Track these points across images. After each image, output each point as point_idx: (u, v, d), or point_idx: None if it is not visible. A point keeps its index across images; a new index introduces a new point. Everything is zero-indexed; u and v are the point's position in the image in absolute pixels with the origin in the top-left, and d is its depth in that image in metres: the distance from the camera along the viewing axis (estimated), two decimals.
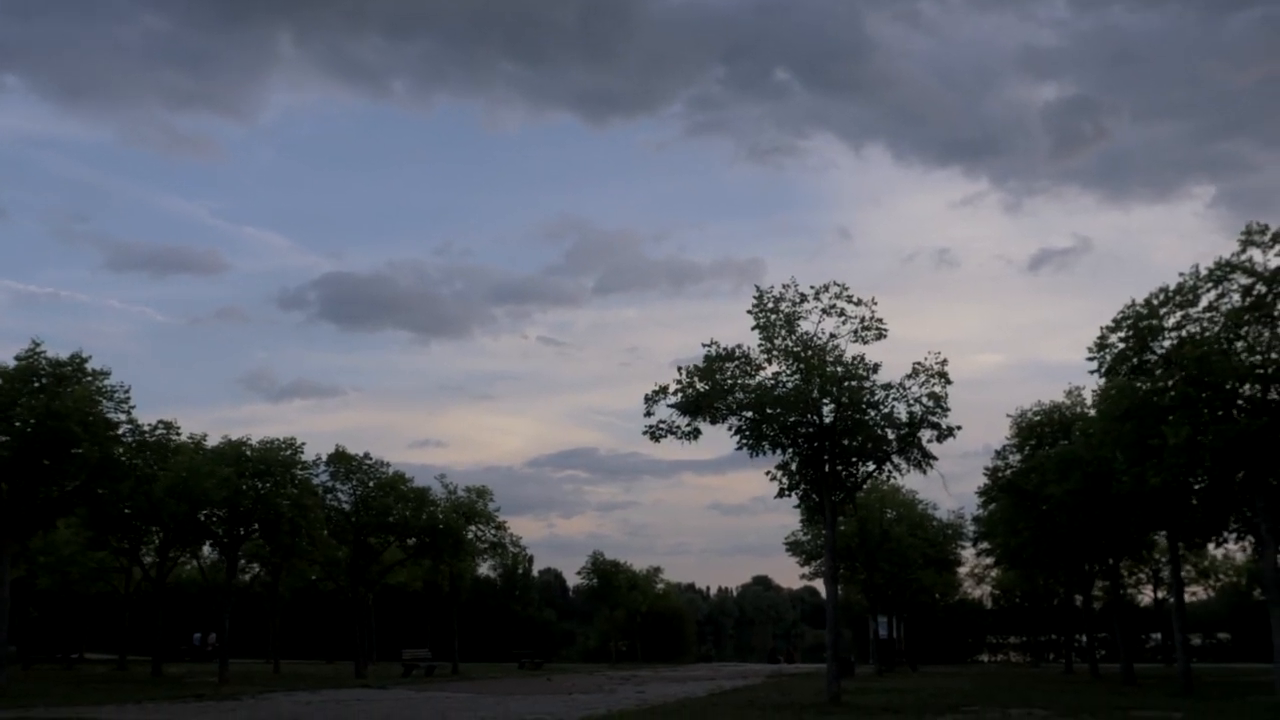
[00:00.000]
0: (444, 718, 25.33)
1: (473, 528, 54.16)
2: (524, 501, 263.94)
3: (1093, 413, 40.02)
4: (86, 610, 66.61)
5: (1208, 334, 27.91)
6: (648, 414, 29.15)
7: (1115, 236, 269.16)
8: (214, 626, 74.84)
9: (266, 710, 27.78)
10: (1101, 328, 29.24)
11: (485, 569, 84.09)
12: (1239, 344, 27.66)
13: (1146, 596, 69.71)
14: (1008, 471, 44.11)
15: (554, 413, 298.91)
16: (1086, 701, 30.00)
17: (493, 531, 54.95)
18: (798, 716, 24.76)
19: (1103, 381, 31.67)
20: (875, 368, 28.53)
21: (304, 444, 42.36)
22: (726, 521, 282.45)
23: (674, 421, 29.23)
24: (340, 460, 47.60)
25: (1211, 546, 52.06)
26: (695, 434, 29.36)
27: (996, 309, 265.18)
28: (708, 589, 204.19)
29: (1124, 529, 40.42)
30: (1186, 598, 75.27)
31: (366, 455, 48.34)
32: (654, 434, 29.29)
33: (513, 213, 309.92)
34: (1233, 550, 65.46)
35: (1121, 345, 28.73)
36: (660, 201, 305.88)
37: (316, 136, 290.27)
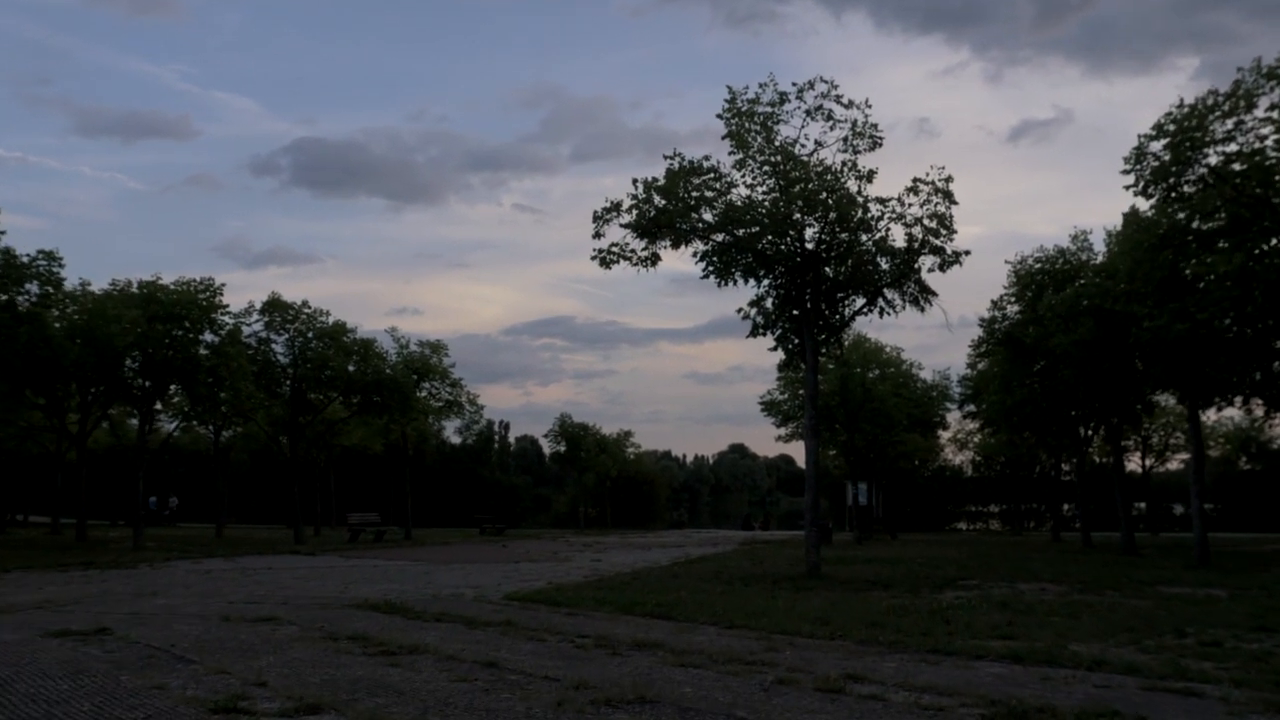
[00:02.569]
0: (346, 590, 20.51)
1: (426, 385, 49.11)
2: (501, 369, 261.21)
3: (1101, 259, 35.00)
4: (26, 472, 61.73)
5: (1265, 145, 22.69)
6: (597, 235, 23.91)
7: (1097, 108, 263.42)
8: (174, 490, 70.77)
9: (146, 579, 23.22)
10: (1139, 135, 24.04)
11: (451, 433, 79.92)
12: None
13: (1132, 464, 65.41)
14: (1005, 323, 39.14)
15: (531, 281, 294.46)
16: (1096, 574, 25.48)
17: (448, 389, 49.84)
18: (770, 593, 19.98)
19: (1135, 204, 26.57)
20: (870, 176, 23.24)
21: (223, 284, 36.98)
22: (703, 390, 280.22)
23: (628, 245, 24.02)
24: (275, 308, 42.28)
25: (1213, 413, 47.31)
26: (653, 260, 24.22)
27: (976, 180, 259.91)
28: (684, 457, 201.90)
29: (1134, 386, 35.60)
30: (1169, 466, 71.59)
31: (305, 303, 43.05)
32: (604, 259, 24.07)
33: (488, 80, 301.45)
34: (1227, 416, 61.07)
35: (1164, 157, 23.42)
36: (637, 69, 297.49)
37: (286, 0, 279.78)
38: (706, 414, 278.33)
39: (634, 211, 23.51)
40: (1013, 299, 39.22)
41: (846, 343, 47.59)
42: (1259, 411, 45.45)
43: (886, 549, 40.13)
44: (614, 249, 24.01)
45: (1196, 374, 31.01)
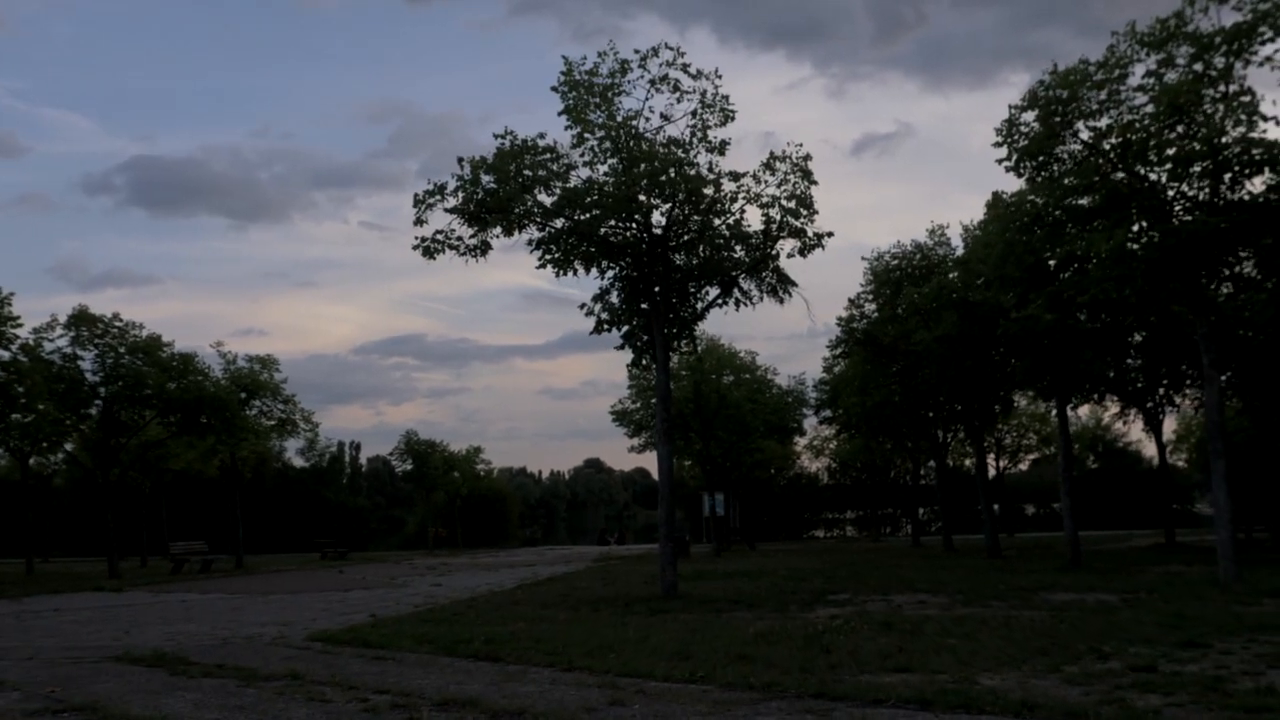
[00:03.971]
0: (124, 636, 17.07)
1: (257, 403, 45.18)
2: (352, 389, 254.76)
3: (960, 253, 33.30)
4: None
5: (1140, 117, 20.83)
6: (419, 222, 20.87)
7: (936, 123, 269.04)
8: None
9: None
10: (1010, 106, 21.95)
11: (293, 454, 75.54)
12: (1178, 129, 20.55)
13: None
14: (863, 322, 37.20)
15: (380, 299, 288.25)
16: (972, 582, 23.44)
17: (280, 407, 45.95)
18: (621, 619, 17.21)
19: (997, 191, 24.69)
20: (721, 147, 20.70)
21: (12, 294, 32.80)
22: (558, 406, 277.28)
23: (454, 232, 21.06)
24: (82, 322, 38.00)
25: (1083, 409, 46.20)
26: (483, 249, 21.37)
27: (821, 193, 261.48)
28: (540, 473, 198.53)
29: (998, 383, 33.94)
30: (1020, 468, 71.13)
31: (116, 316, 38.84)
32: (428, 249, 21.07)
33: (334, 95, 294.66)
34: (1074, 416, 60.52)
35: (1037, 126, 21.39)
36: (486, 84, 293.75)
37: (121, 12, 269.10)
38: (562, 429, 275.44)
39: (460, 194, 20.58)
40: (870, 297, 37.36)
41: (701, 344, 45.54)
42: (1114, 408, 44.66)
43: (746, 560, 37.80)
44: (439, 237, 21.04)
45: (1065, 368, 29.33)
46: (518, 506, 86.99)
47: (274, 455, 71.25)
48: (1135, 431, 78.04)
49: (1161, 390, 41.75)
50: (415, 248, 20.93)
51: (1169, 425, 48.61)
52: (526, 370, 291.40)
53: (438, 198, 20.69)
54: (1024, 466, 70.62)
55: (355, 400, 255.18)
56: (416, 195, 20.62)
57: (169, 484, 58.07)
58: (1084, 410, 57.02)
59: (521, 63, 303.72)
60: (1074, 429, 64.56)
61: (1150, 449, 74.33)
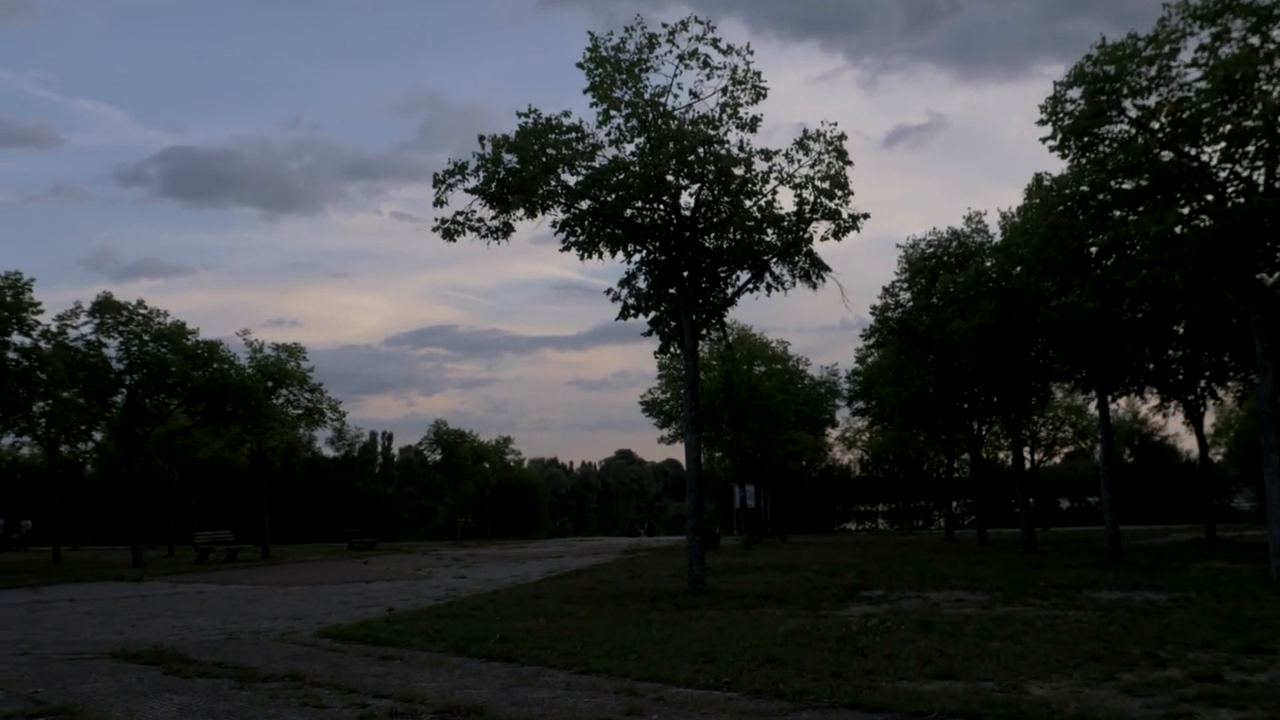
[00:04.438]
0: (130, 630, 16.44)
1: (284, 391, 44.61)
2: (384, 380, 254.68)
3: (998, 239, 32.26)
4: None
5: (1192, 94, 19.82)
6: (439, 203, 20.10)
7: (968, 114, 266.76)
8: (26, 512, 65.04)
9: None
10: (1055, 83, 20.92)
11: (323, 444, 75.19)
12: (1232, 106, 19.51)
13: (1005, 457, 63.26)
14: (897, 311, 36.19)
15: (412, 290, 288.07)
16: (1011, 578, 22.49)
17: (307, 396, 45.35)
18: (645, 616, 16.40)
19: (1049, 165, 23.60)
20: (753, 124, 19.82)
21: (33, 279, 32.33)
22: (589, 397, 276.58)
23: (475, 214, 20.30)
24: (106, 309, 37.54)
25: (1119, 401, 45.08)
26: (505, 231, 20.58)
27: (854, 185, 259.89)
28: (570, 464, 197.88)
29: (1036, 374, 32.91)
30: (1052, 461, 69.76)
31: (140, 303, 38.35)
32: (448, 231, 20.30)
33: (364, 86, 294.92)
34: (1111, 409, 59.18)
35: (1083, 104, 20.39)
36: (515, 75, 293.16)
37: (151, 4, 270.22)
38: (593, 420, 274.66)
39: (481, 174, 19.79)
40: (905, 285, 36.32)
41: (732, 333, 44.62)
42: (1153, 401, 43.46)
43: (777, 554, 36.89)
44: (459, 219, 20.27)
45: (1106, 358, 28.31)
46: (547, 497, 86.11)
47: (303, 445, 70.90)
48: (1172, 425, 76.74)
49: (1203, 383, 40.57)
50: (435, 229, 20.19)
51: (1208, 419, 47.22)
52: (557, 361, 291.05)
53: (458, 178, 19.90)
54: (1058, 460, 69.38)
55: (387, 391, 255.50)
56: (436, 175, 19.87)
57: (198, 473, 57.76)
58: (1120, 403, 55.63)
59: (552, 54, 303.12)
60: (1111, 422, 63.38)
61: (1187, 443, 73.41)
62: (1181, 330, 31.77)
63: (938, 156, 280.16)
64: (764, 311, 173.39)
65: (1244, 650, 11.49)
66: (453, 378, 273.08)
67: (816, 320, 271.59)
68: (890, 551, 36.54)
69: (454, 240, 20.09)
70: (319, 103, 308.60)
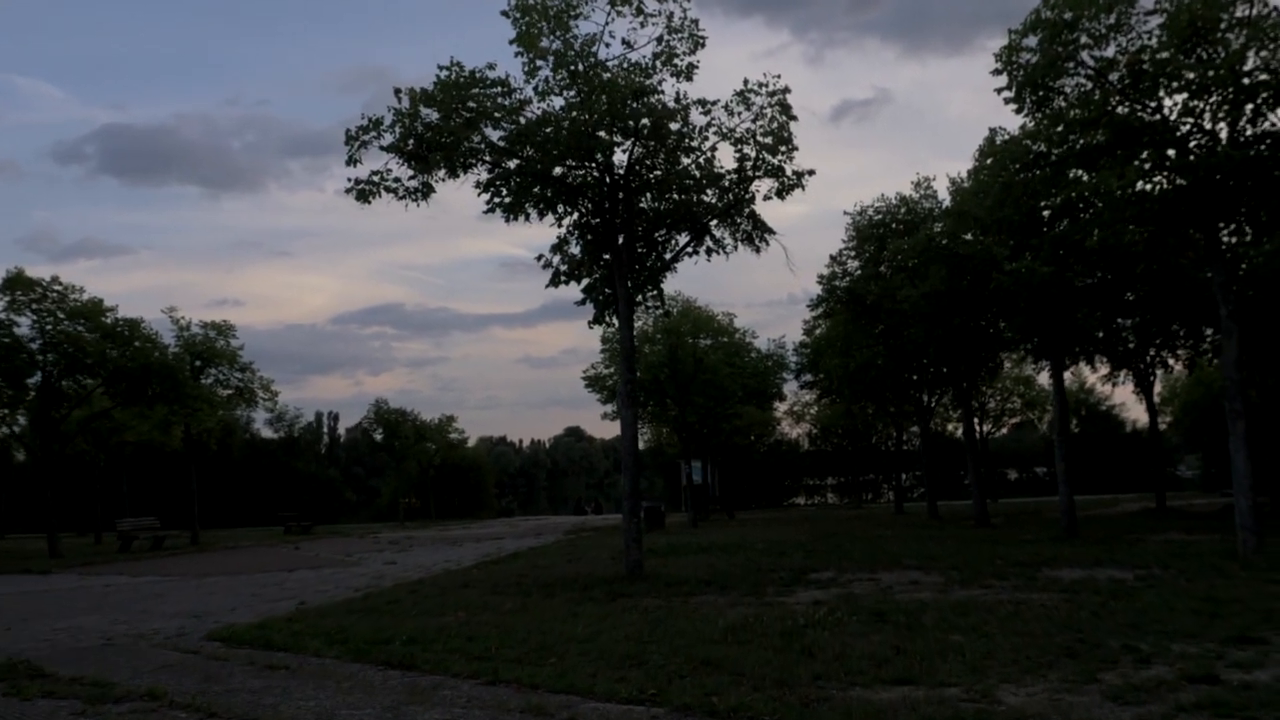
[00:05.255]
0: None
1: (212, 371, 42.66)
2: (330, 360, 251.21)
3: (948, 203, 31.03)
4: None
5: (1153, 42, 18.56)
6: (351, 162, 18.42)
7: (914, 89, 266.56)
8: None
9: None
10: (1010, 30, 19.54)
11: (261, 425, 73.06)
12: (1194, 55, 18.27)
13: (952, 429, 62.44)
14: (845, 279, 34.90)
15: (358, 268, 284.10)
16: (965, 555, 21.35)
17: (237, 375, 43.43)
18: (575, 607, 14.94)
19: (1010, 120, 22.29)
20: (689, 71, 18.31)
21: None
22: (538, 374, 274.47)
23: (392, 174, 18.64)
24: (17, 285, 35.35)
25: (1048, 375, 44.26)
26: (425, 192, 18.93)
27: (801, 160, 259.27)
28: (520, 442, 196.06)
29: (987, 342, 31.78)
30: (1000, 433, 69.09)
31: (55, 279, 36.19)
32: (362, 192, 18.62)
33: (308, 62, 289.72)
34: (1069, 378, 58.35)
35: (1039, 54, 19.05)
36: (462, 51, 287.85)
37: None
38: (542, 398, 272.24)
39: (398, 129, 18.15)
40: (853, 254, 35.04)
41: (676, 306, 43.22)
42: (1104, 370, 42.57)
43: (724, 532, 35.63)
44: (374, 178, 18.59)
45: (1059, 326, 27.16)
46: (493, 476, 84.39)
47: (241, 426, 68.72)
48: (1118, 395, 76.31)
49: (1153, 351, 39.79)
50: (348, 191, 18.49)
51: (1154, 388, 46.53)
52: (506, 339, 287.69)
53: (373, 134, 18.25)
54: (1004, 431, 68.77)
55: (334, 370, 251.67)
56: (348, 131, 18.19)
57: (129, 457, 55.58)
58: (1068, 373, 54.90)
59: (496, 29, 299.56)
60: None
61: (1132, 412, 73.15)
62: (1133, 297, 30.75)
63: (884, 131, 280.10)
64: (709, 285, 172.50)
65: (1233, 641, 10.24)
66: (400, 357, 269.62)
67: (763, 295, 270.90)
68: (839, 527, 35.38)
69: (368, 202, 18.45)
70: (262, 79, 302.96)
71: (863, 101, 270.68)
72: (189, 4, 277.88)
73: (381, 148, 18.30)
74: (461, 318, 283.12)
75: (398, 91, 18.10)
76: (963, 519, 36.48)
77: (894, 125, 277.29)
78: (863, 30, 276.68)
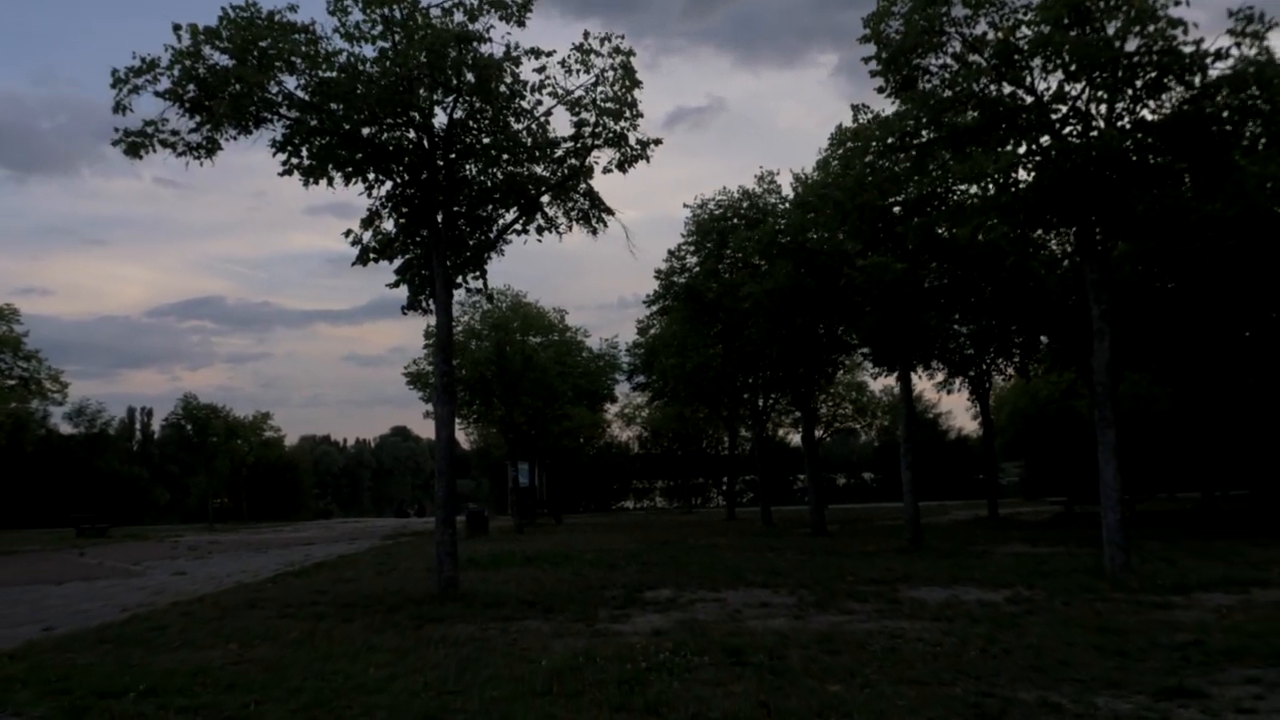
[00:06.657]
0: None
1: None
2: (146, 354, 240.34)
3: (792, 196, 29.36)
4: None
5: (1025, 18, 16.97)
6: (119, 109, 15.40)
7: (747, 99, 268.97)
8: None
9: None
10: (879, 1, 17.65)
11: (58, 420, 67.61)
12: (1071, 34, 16.72)
13: (798, 437, 61.59)
14: (684, 275, 32.98)
15: (177, 260, 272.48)
16: (812, 570, 19.51)
17: (21, 365, 39.29)
18: (373, 637, 12.39)
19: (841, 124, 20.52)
20: (520, 12, 15.84)
21: None
22: (364, 373, 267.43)
23: (168, 124, 15.70)
24: None
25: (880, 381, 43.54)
26: (210, 149, 16.02)
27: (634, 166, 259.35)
28: (345, 441, 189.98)
29: (832, 343, 30.24)
30: (826, 438, 68.55)
31: None
32: (133, 145, 15.59)
33: (125, 40, 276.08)
34: (889, 386, 57.71)
35: (906, 23, 17.24)
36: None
37: None
38: (368, 397, 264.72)
39: (176, 71, 15.26)
40: (692, 249, 33.13)
41: (506, 300, 40.77)
42: (940, 376, 41.83)
43: (551, 538, 33.33)
44: (149, 129, 15.64)
45: (910, 327, 25.65)
46: (311, 476, 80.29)
47: (36, 421, 63.34)
48: (945, 402, 76.80)
49: (988, 358, 39.18)
50: (115, 143, 15.51)
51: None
52: (331, 336, 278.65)
53: (146, 78, 15.32)
54: (829, 438, 68.39)
55: (150, 365, 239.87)
56: (115, 72, 15.21)
57: None
58: (891, 380, 54.40)
59: (320, 12, 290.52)
60: (885, 400, 62.09)
61: (957, 419, 73.68)
62: (975, 301, 29.57)
63: (718, 139, 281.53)
64: (539, 285, 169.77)
65: (1166, 694, 8.39)
66: (221, 352, 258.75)
67: (595, 298, 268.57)
68: (672, 534, 33.40)
69: (140, 157, 15.46)
70: (76, 57, 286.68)
71: (696, 109, 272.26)
72: None
73: (156, 93, 15.37)
74: (285, 313, 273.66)
75: (177, 28, 15.21)
76: (798, 526, 34.99)
77: (728, 133, 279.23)
78: (697, 38, 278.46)
